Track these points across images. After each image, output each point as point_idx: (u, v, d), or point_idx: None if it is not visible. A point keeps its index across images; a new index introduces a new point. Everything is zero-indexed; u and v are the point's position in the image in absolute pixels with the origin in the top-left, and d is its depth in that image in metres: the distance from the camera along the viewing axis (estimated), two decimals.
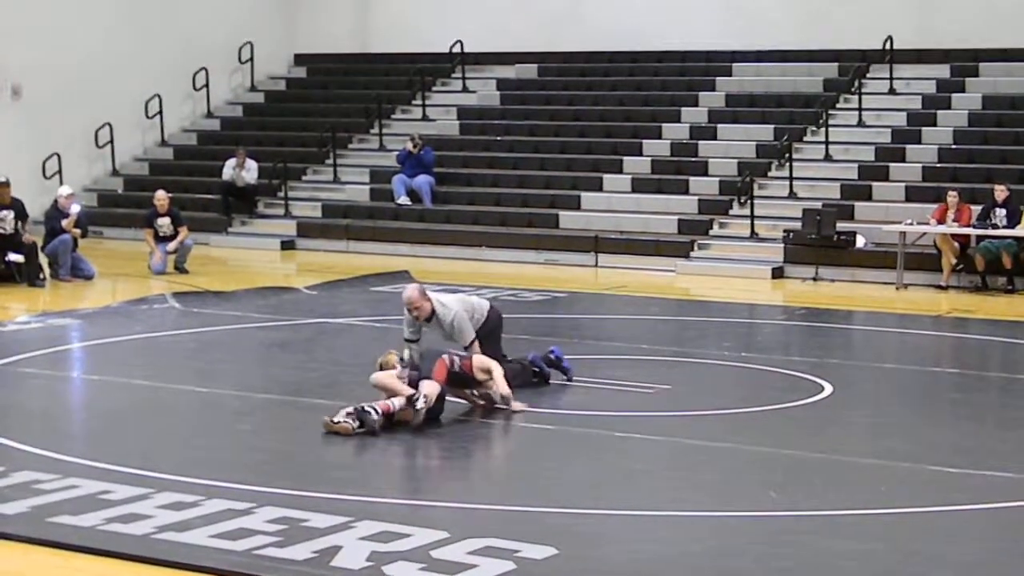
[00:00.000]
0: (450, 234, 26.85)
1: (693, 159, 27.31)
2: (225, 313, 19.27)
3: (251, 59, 33.91)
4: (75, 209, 23.17)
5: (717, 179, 26.51)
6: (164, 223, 24.10)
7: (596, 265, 25.27)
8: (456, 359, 12.96)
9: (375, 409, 12.20)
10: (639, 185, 26.99)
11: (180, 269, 23.76)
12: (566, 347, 16.28)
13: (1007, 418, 13.65)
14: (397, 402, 12.40)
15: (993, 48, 27.68)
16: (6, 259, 22.06)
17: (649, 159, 27.60)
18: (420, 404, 12.28)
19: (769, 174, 26.43)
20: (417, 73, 31.92)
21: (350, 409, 12.30)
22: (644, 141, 28.06)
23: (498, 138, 29.71)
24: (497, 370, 13.14)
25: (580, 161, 28.18)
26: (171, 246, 23.96)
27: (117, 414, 13.39)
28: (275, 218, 28.97)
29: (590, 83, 30.81)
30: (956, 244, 22.43)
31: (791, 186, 25.71)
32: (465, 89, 32.02)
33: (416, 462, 11.85)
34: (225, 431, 12.76)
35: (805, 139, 27.11)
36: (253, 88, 34.17)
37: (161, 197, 24.45)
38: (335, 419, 12.22)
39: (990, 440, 12.56)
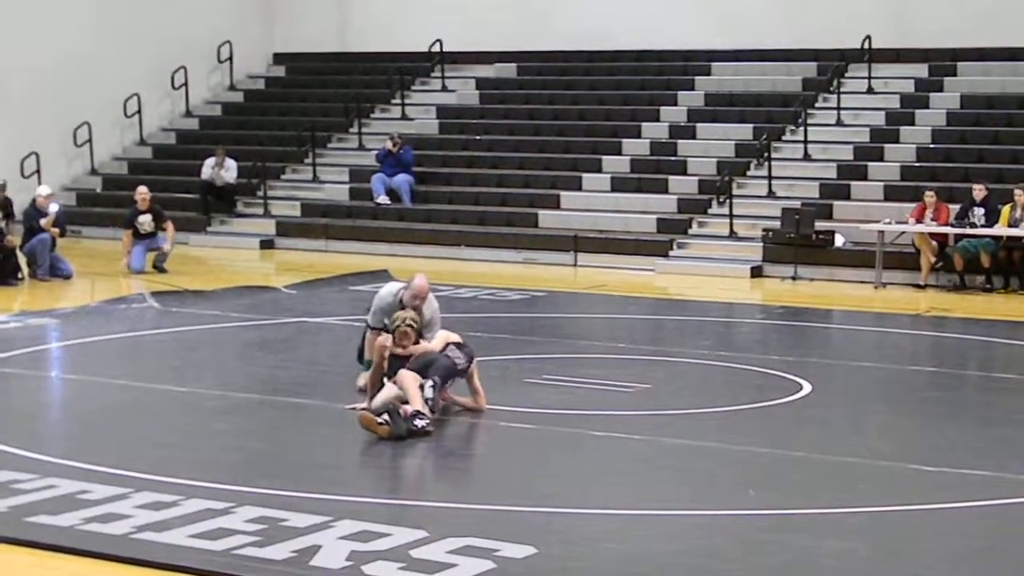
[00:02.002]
0: (429, 233, 26.85)
1: (672, 158, 27.34)
2: (204, 312, 19.24)
3: (230, 58, 33.89)
4: (54, 208, 23.11)
5: (696, 178, 26.55)
6: (145, 220, 23.99)
7: (575, 264, 25.29)
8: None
9: (399, 413, 12.13)
10: (618, 184, 27.02)
11: (159, 268, 23.67)
12: (545, 346, 16.35)
13: (985, 416, 13.67)
14: (408, 408, 12.30)
15: (971, 47, 27.77)
16: None
17: (628, 158, 27.63)
18: (420, 424, 12.16)
19: (748, 173, 26.48)
20: (396, 72, 31.91)
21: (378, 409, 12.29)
22: (623, 140, 28.10)
23: (477, 137, 29.72)
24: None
25: (559, 160, 28.20)
26: (166, 246, 23.80)
27: (95, 414, 13.36)
28: (254, 217, 28.94)
29: (569, 82, 30.84)
30: (934, 243, 22.49)
31: (770, 185, 25.75)
32: (444, 88, 32.03)
33: (395, 461, 11.83)
34: (204, 431, 12.74)
35: (784, 138, 27.17)
36: (232, 87, 34.15)
37: (143, 192, 24.35)
38: (379, 419, 12.16)
39: (968, 438, 12.58)
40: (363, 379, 13.53)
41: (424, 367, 12.60)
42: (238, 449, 11.99)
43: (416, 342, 12.90)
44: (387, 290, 13.84)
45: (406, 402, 12.30)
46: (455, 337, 13.22)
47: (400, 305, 13.49)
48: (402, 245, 26.56)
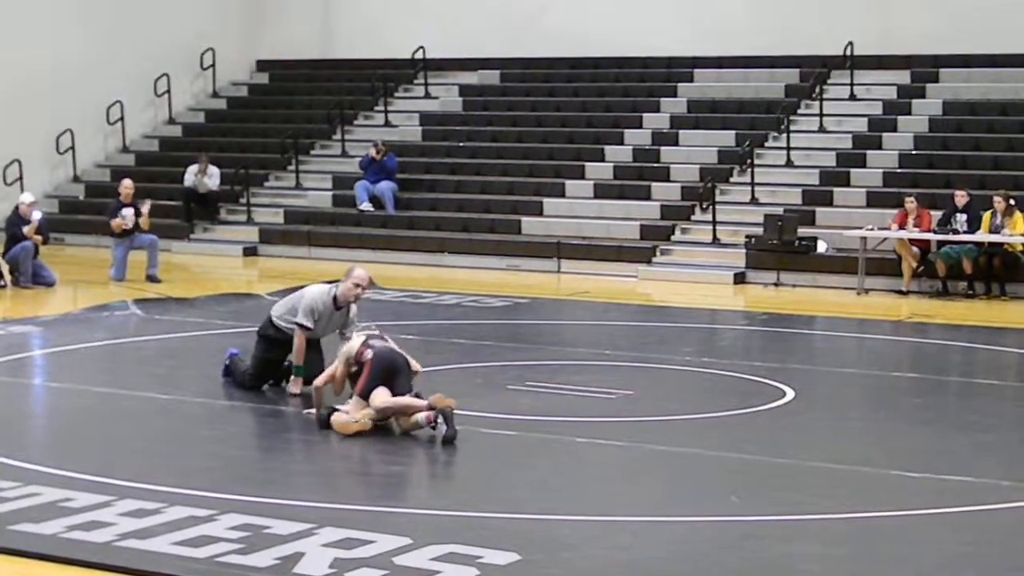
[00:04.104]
0: (412, 240, 26.85)
1: (655, 165, 27.37)
2: (187, 320, 19.23)
3: (213, 65, 33.86)
4: (36, 216, 23.07)
5: (679, 185, 26.58)
6: (128, 214, 23.88)
7: (558, 271, 25.31)
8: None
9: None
10: (601, 191, 27.05)
11: (152, 279, 23.35)
12: (528, 353, 16.35)
13: (966, 422, 13.70)
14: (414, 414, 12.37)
15: (953, 54, 27.85)
16: None
17: (611, 165, 27.65)
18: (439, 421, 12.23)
19: (731, 180, 26.52)
20: (380, 79, 31.91)
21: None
22: (606, 147, 28.14)
23: (460, 144, 29.74)
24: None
25: (542, 167, 28.22)
26: (143, 220, 23.61)
27: (78, 421, 13.34)
28: (237, 224, 28.92)
29: (552, 89, 30.86)
30: (916, 250, 22.53)
31: (753, 192, 25.80)
32: (427, 95, 32.04)
33: (378, 468, 11.84)
34: (187, 438, 12.73)
35: (767, 145, 27.22)
36: (215, 94, 34.12)
37: (128, 186, 24.22)
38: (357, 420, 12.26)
39: (950, 444, 12.62)
40: (296, 386, 13.80)
41: (387, 375, 12.54)
42: (221, 456, 11.98)
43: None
44: (318, 291, 14.06)
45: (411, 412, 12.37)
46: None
47: (334, 301, 13.77)
48: (385, 252, 26.54)
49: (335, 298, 13.89)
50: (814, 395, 14.73)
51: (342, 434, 12.27)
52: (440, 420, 12.06)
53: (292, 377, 14.01)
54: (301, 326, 13.88)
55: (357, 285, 13.85)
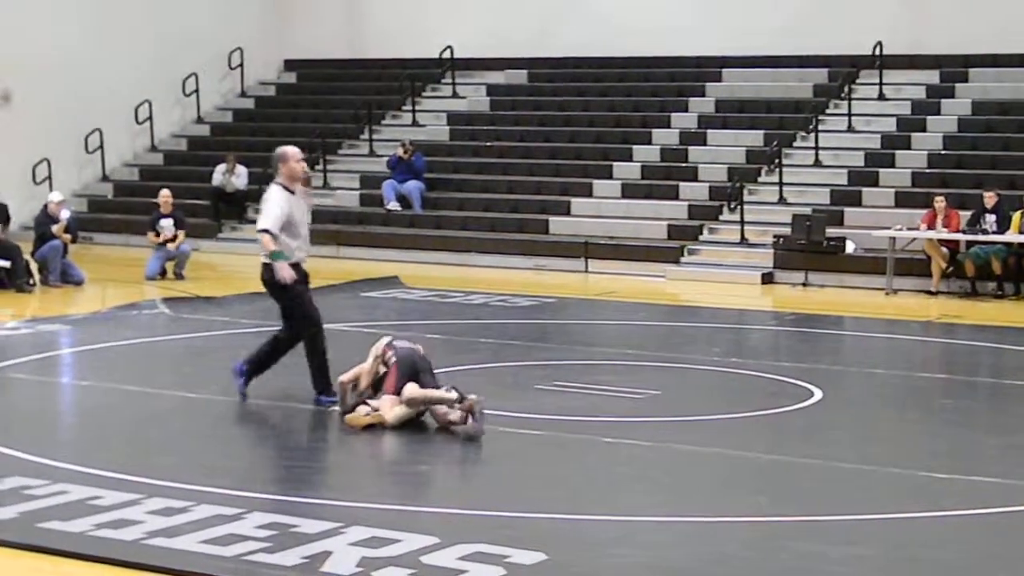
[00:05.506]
0: (440, 240, 26.86)
1: (683, 164, 27.34)
2: (215, 319, 19.26)
3: (241, 65, 33.94)
4: (65, 215, 23.14)
5: (707, 185, 26.55)
6: (167, 224, 23.96)
7: (586, 271, 25.30)
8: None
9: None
10: (629, 191, 27.03)
11: (178, 275, 23.62)
12: (555, 353, 16.31)
13: (996, 423, 13.66)
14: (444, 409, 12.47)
15: (983, 54, 27.77)
16: None
17: (639, 165, 27.63)
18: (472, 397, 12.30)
19: (759, 180, 26.48)
20: (407, 79, 31.94)
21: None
22: (634, 147, 28.11)
23: (488, 144, 29.74)
24: None
25: (570, 167, 28.20)
26: (172, 245, 23.80)
27: (107, 420, 13.38)
28: None
29: (580, 89, 30.85)
30: (945, 250, 22.46)
31: (781, 192, 25.75)
32: (455, 95, 32.05)
33: (405, 467, 11.84)
34: (215, 436, 12.75)
35: (795, 145, 27.16)
36: (243, 94, 34.20)
37: (165, 196, 24.35)
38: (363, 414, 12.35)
39: (979, 445, 12.57)
40: (284, 269, 14.12)
41: (412, 373, 12.64)
42: (249, 455, 12.01)
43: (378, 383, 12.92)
44: (271, 198, 14.47)
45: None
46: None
47: (287, 191, 14.34)
48: (413, 251, 26.58)
49: (285, 187, 14.25)
50: (842, 396, 14.70)
51: (354, 427, 12.34)
52: (470, 417, 12.12)
53: (278, 263, 13.93)
54: (266, 230, 14.06)
55: (298, 160, 14.31)
